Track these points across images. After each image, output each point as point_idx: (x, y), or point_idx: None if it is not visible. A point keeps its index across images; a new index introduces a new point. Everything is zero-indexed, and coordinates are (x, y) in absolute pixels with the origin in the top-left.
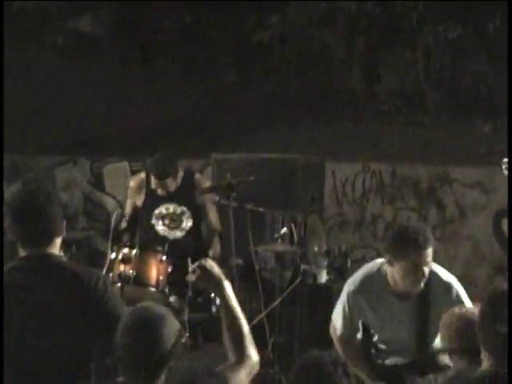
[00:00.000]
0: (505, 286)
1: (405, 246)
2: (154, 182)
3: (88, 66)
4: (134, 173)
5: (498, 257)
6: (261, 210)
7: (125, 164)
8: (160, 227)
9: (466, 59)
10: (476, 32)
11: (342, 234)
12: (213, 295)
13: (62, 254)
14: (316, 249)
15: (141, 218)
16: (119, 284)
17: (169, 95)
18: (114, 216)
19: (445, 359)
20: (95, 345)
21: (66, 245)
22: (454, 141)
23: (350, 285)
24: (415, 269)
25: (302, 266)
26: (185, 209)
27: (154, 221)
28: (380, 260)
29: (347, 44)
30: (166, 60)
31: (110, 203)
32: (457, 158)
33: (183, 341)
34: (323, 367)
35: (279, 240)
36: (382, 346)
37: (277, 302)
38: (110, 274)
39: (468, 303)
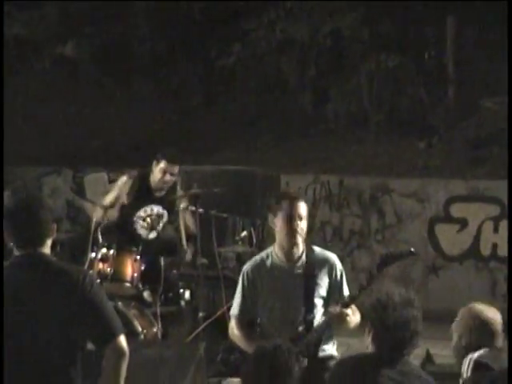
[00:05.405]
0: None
1: (280, 198)
2: (160, 169)
3: (69, 88)
4: (111, 182)
5: (432, 258)
6: (224, 215)
7: (103, 174)
8: (139, 225)
9: (404, 84)
10: (413, 60)
11: None
12: (181, 290)
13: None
14: None
15: (126, 214)
16: (98, 280)
17: (143, 114)
18: (94, 220)
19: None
20: (81, 335)
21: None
22: (393, 156)
23: (244, 268)
24: (290, 219)
25: None
26: (165, 212)
27: (135, 219)
28: (270, 248)
29: (300, 70)
30: (140, 83)
31: (90, 208)
32: (395, 171)
33: (155, 330)
34: (280, 354)
35: (240, 242)
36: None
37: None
38: (90, 272)
39: (343, 279)
